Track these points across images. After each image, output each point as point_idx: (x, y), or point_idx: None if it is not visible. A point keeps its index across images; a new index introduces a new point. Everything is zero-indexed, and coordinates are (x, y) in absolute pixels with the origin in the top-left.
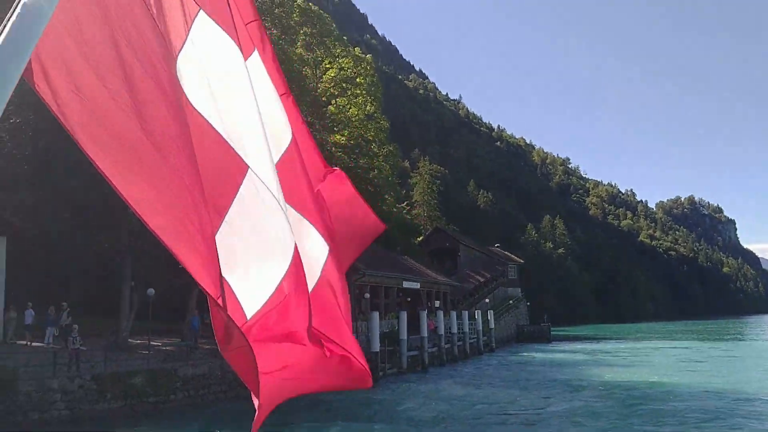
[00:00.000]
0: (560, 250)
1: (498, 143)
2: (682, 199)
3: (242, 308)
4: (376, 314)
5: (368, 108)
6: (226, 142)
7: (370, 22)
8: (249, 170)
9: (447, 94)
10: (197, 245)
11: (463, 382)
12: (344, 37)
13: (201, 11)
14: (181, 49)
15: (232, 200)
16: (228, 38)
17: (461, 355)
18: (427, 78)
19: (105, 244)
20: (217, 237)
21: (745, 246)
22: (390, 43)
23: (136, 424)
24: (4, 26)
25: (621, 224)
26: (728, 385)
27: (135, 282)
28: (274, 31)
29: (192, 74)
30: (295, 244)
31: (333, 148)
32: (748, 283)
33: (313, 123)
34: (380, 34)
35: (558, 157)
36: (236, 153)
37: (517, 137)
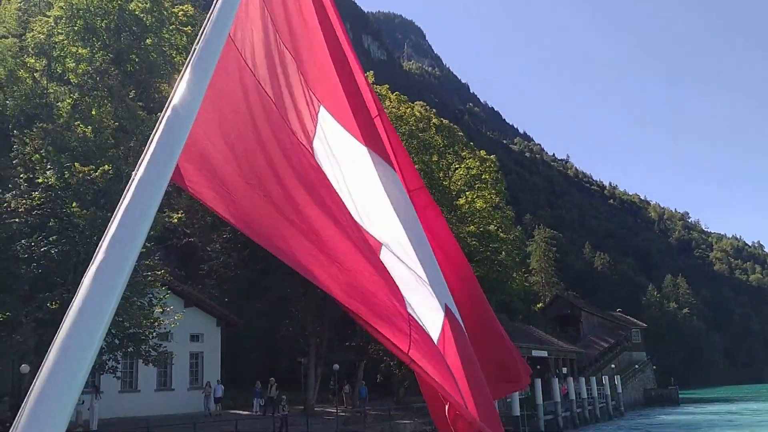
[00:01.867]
0: (685, 310)
1: (611, 201)
2: None
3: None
4: None
5: (494, 199)
6: (358, 223)
7: (472, 91)
8: (383, 247)
9: (554, 154)
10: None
11: None
12: (471, 143)
13: (322, 107)
14: (313, 141)
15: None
16: (348, 135)
17: (592, 418)
18: (532, 140)
19: (290, 328)
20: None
21: None
22: (492, 109)
23: None
24: (154, 135)
25: (750, 279)
26: None
27: (317, 359)
28: (414, 143)
29: (325, 165)
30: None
31: (467, 237)
32: None
33: (450, 217)
34: (482, 101)
35: (676, 211)
36: (368, 232)
37: (630, 194)
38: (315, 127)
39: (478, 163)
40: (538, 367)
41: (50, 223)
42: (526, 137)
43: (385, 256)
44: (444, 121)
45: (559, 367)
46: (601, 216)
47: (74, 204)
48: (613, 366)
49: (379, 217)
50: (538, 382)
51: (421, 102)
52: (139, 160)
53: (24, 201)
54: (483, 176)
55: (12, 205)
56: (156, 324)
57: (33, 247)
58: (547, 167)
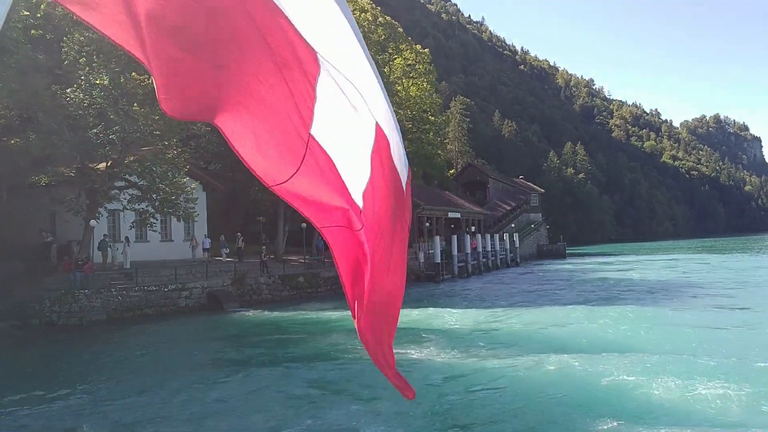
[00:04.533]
0: (581, 175)
1: (522, 67)
2: (708, 118)
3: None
4: (437, 238)
5: (426, 87)
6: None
7: None
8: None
9: (470, 16)
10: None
11: (494, 282)
12: (409, 38)
13: None
14: None
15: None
16: None
17: (494, 267)
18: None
19: (259, 193)
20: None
21: None
22: None
23: (304, 303)
24: None
25: (644, 146)
26: (693, 280)
27: (285, 218)
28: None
29: None
30: (377, 123)
31: (404, 120)
32: None
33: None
34: None
35: (582, 78)
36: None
37: (540, 59)
38: None
39: (414, 55)
40: (452, 226)
41: (111, 116)
42: None
43: (324, 67)
44: (387, 18)
45: (469, 226)
46: (511, 83)
47: (134, 104)
48: (513, 225)
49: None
50: (454, 237)
51: (367, 0)
52: None
53: (86, 96)
54: (417, 66)
55: (75, 99)
56: (186, 191)
57: (102, 135)
58: (462, 31)
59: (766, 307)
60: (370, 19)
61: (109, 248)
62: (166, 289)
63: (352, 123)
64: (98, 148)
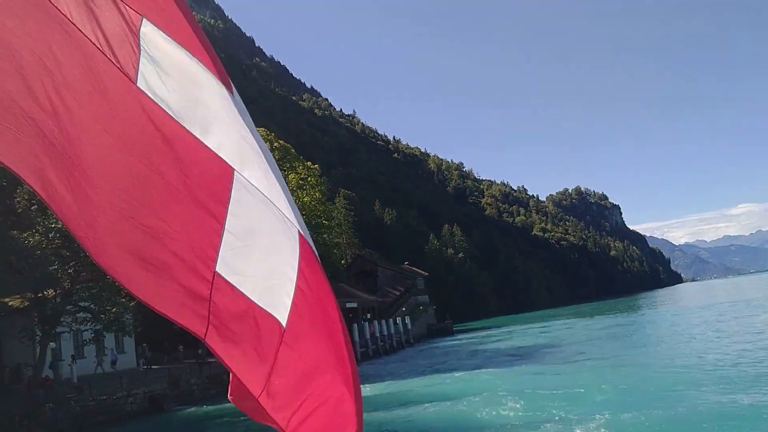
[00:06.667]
0: (460, 255)
1: (396, 155)
2: (570, 191)
3: (275, 318)
4: None
5: (317, 196)
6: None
7: (257, 45)
8: (235, 173)
9: (341, 110)
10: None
11: (395, 362)
12: (301, 157)
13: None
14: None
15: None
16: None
17: (391, 349)
18: (320, 95)
19: None
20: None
21: (632, 227)
22: (279, 63)
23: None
24: None
25: (515, 221)
26: (552, 342)
27: None
28: None
29: (156, 85)
30: (299, 231)
31: None
32: (633, 263)
33: None
34: (269, 55)
35: (452, 162)
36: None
37: (412, 147)
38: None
39: (305, 170)
40: (350, 315)
41: (67, 254)
42: (314, 92)
43: (238, 186)
44: (281, 142)
45: (365, 313)
46: (387, 171)
47: None
48: (404, 309)
49: (234, 143)
50: (354, 326)
51: (262, 128)
52: None
53: (43, 239)
54: (309, 179)
55: (33, 242)
56: (129, 308)
57: (60, 271)
58: (336, 124)
59: (608, 362)
60: (267, 145)
61: (57, 366)
62: (114, 397)
63: (272, 237)
64: (58, 282)
